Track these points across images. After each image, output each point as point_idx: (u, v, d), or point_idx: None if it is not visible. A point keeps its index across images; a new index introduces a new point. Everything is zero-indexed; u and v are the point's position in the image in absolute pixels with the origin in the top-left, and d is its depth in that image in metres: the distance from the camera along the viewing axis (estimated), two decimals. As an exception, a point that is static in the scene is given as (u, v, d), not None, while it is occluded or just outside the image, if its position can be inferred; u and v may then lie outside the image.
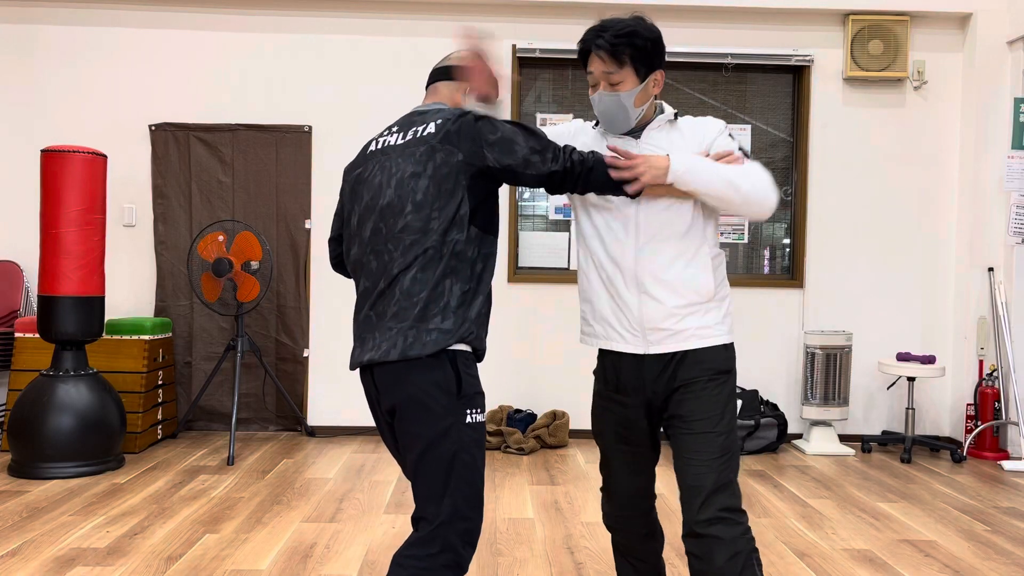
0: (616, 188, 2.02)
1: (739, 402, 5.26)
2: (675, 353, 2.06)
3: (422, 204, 1.92)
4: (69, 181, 4.30)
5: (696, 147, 2.10)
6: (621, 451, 2.19)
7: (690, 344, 2.05)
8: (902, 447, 5.52)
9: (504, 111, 2.19)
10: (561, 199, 5.62)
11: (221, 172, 5.50)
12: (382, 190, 1.98)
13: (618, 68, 2.03)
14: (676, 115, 2.16)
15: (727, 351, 2.09)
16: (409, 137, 2.00)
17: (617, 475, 2.21)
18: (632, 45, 2.01)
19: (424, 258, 1.92)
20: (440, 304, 1.93)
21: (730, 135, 2.13)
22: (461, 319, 1.94)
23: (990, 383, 5.22)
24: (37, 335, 4.82)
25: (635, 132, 2.14)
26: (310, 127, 5.52)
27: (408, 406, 1.92)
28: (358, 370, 2.05)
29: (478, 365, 2.12)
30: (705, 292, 2.05)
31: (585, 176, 2.00)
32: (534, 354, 5.57)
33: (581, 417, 5.57)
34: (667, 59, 5.53)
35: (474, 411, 1.95)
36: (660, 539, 2.31)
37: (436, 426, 1.91)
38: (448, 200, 1.92)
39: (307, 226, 5.53)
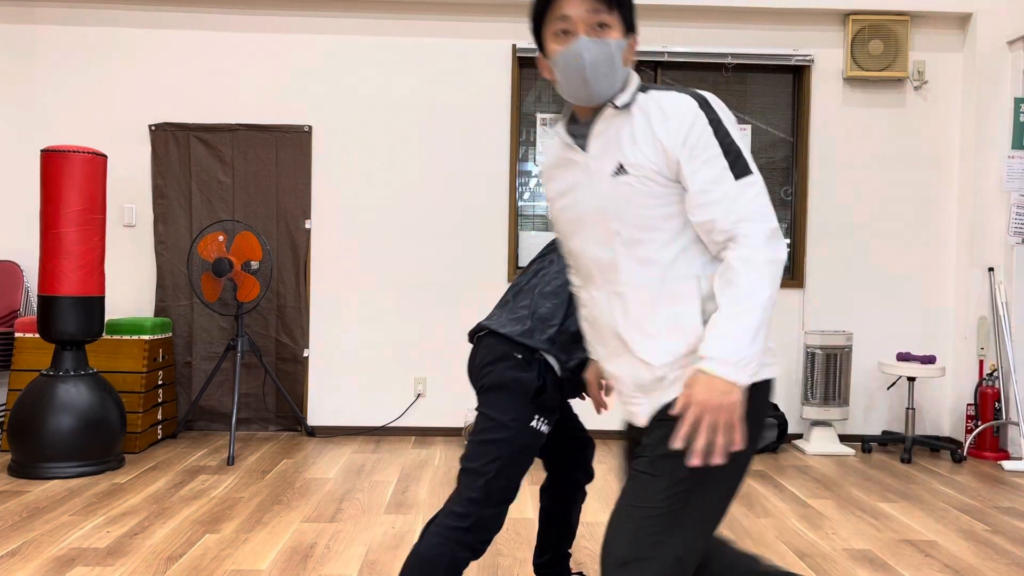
0: None
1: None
2: None
3: None
4: (69, 181, 4.30)
5: (650, 152, 1.56)
6: None
7: None
8: (902, 447, 5.52)
9: None
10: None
11: (221, 172, 5.50)
12: None
13: (608, 9, 1.56)
14: (638, 90, 1.63)
15: None
16: None
17: None
18: None
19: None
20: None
21: (710, 119, 1.55)
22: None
23: (990, 383, 5.22)
24: (37, 335, 4.82)
25: (583, 129, 1.67)
26: (310, 127, 5.52)
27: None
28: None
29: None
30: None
31: None
32: (534, 354, 5.56)
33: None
34: (667, 59, 5.53)
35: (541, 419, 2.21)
36: None
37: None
38: None
39: (307, 226, 5.52)
